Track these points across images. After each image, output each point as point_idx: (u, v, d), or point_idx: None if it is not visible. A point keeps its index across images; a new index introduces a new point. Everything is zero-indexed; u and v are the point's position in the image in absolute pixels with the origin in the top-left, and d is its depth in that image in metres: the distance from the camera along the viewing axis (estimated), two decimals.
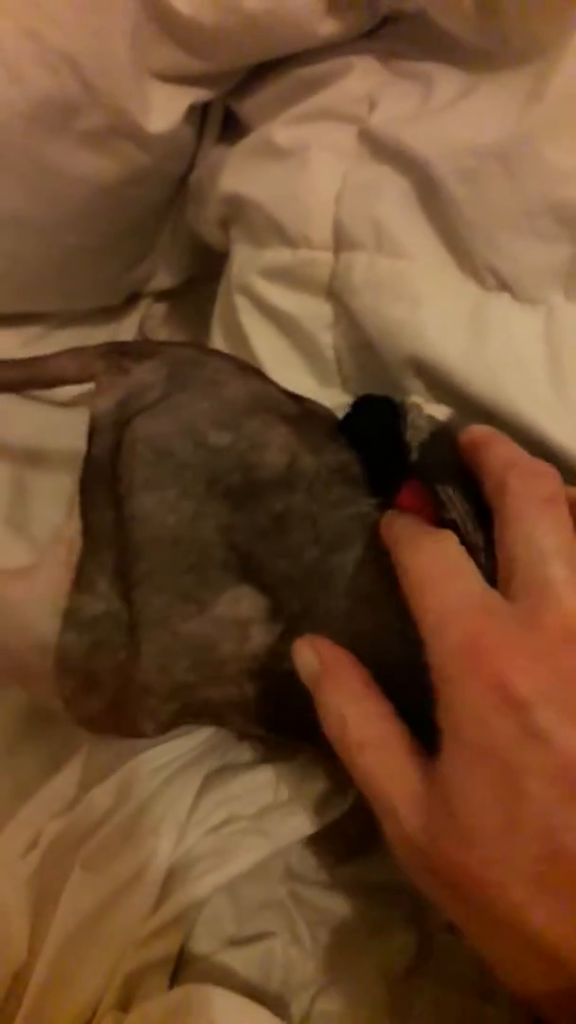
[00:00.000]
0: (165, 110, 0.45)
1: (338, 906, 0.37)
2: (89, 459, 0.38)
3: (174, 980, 0.34)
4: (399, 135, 0.41)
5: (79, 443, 0.48)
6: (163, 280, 0.60)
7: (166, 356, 0.39)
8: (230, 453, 0.36)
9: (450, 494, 0.33)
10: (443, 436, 0.35)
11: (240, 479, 0.35)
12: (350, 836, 0.37)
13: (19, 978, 0.32)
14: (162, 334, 0.63)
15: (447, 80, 0.41)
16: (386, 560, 0.32)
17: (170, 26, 0.41)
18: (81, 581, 0.35)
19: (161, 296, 0.63)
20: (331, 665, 0.30)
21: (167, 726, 0.37)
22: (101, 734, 0.36)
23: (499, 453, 0.31)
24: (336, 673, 0.30)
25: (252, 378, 0.39)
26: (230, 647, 0.35)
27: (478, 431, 0.33)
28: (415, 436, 0.35)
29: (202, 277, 0.59)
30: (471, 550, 0.30)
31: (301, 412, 0.39)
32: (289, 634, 0.34)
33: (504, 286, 0.39)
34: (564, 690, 0.24)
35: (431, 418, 0.36)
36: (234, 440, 0.36)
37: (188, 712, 0.37)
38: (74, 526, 0.36)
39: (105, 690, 0.35)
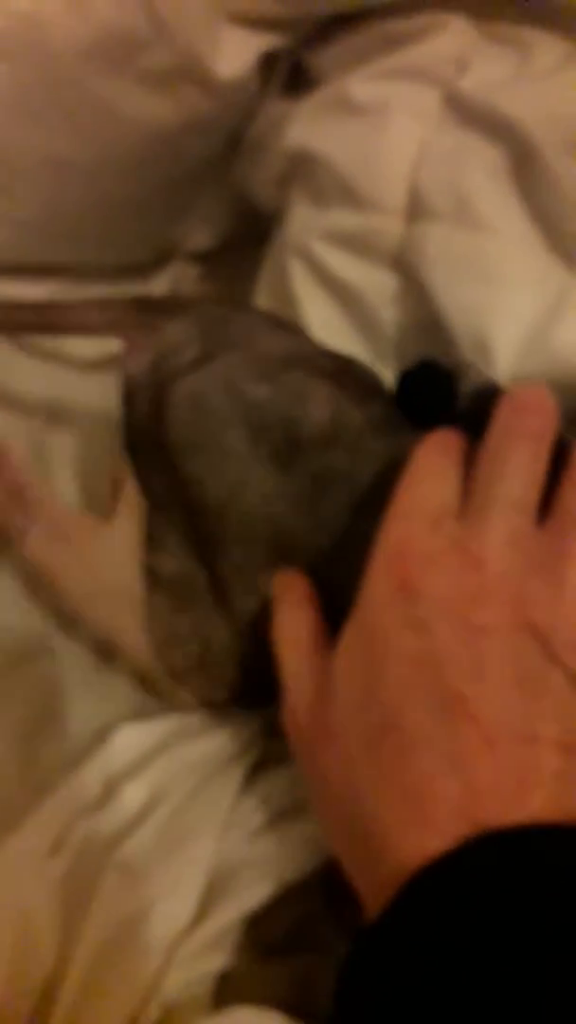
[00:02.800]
0: (237, 55, 0.41)
1: None
2: (130, 422, 0.37)
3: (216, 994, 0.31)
4: (494, 100, 0.38)
5: (97, 403, 0.45)
6: (200, 240, 0.56)
7: (197, 313, 0.38)
8: (271, 406, 0.34)
9: None
10: (492, 394, 0.33)
11: (282, 435, 0.34)
12: None
13: (48, 988, 0.29)
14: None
15: (546, 48, 0.39)
16: None
17: None
18: (153, 540, 0.35)
19: (195, 258, 0.59)
20: (289, 585, 0.33)
21: (238, 699, 0.36)
22: (182, 695, 0.36)
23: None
24: (290, 589, 0.33)
25: (287, 332, 0.38)
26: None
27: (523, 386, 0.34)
28: (466, 389, 0.35)
29: (241, 242, 0.56)
30: None
31: (339, 368, 0.37)
32: (333, 611, 0.32)
33: None
34: (451, 598, 0.27)
35: (488, 378, 0.35)
36: (274, 392, 0.35)
37: (255, 688, 0.35)
38: (132, 487, 0.36)
39: (190, 648, 0.35)
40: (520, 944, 0.22)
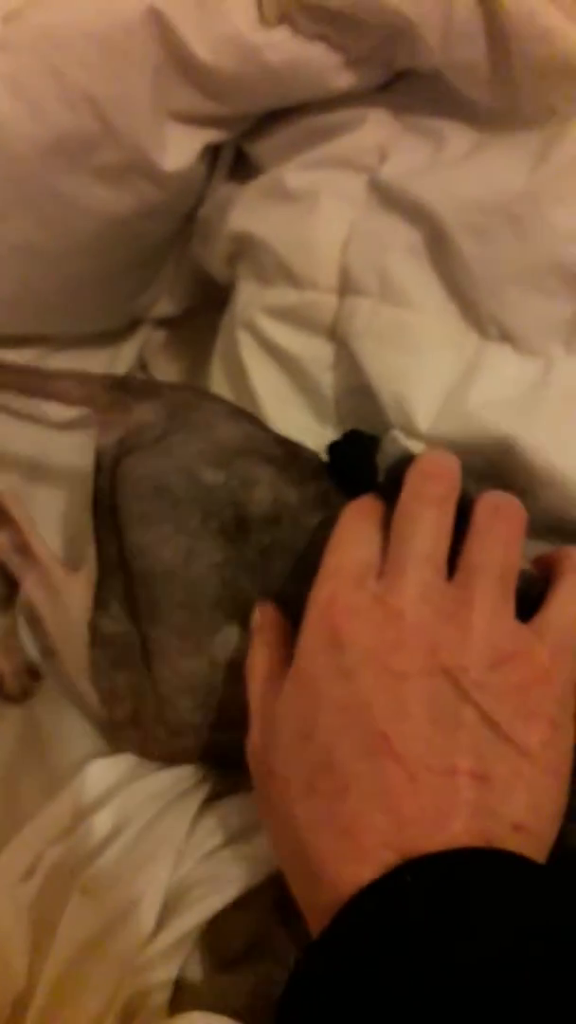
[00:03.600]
0: (180, 149, 0.46)
1: None
2: (95, 491, 0.40)
3: (172, 1005, 0.35)
4: (409, 187, 0.42)
5: (74, 460, 0.49)
6: (165, 307, 0.61)
7: (166, 398, 0.42)
8: (223, 490, 0.38)
9: None
10: (407, 462, 0.36)
11: (232, 515, 0.37)
12: None
13: (19, 1004, 0.32)
14: (160, 360, 0.64)
15: (458, 136, 0.43)
16: None
17: (190, 71, 0.43)
18: (99, 600, 0.38)
19: (161, 323, 0.64)
20: (268, 621, 0.35)
21: (172, 759, 0.39)
22: (122, 745, 0.40)
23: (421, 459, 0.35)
24: (266, 625, 0.35)
25: (243, 421, 0.42)
26: (229, 690, 0.36)
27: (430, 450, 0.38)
28: (383, 460, 0.37)
29: (203, 307, 0.60)
30: None
31: (286, 453, 0.41)
32: None
33: (506, 337, 0.41)
34: (374, 648, 0.30)
35: (404, 448, 0.38)
36: (227, 478, 0.38)
37: (193, 753, 0.39)
38: (91, 550, 0.39)
39: (126, 704, 0.38)
40: (444, 957, 0.25)
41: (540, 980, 0.24)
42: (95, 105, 0.42)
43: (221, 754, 0.38)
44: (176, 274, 0.58)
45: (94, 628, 0.39)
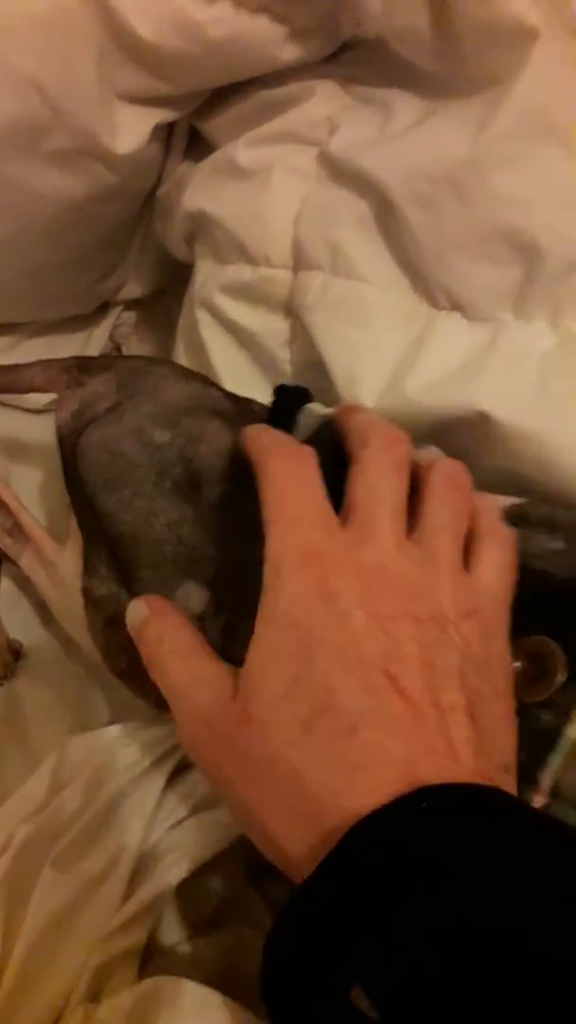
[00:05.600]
0: (131, 131, 0.46)
1: None
2: (63, 465, 0.41)
3: (143, 971, 0.36)
4: (358, 159, 0.42)
5: (51, 440, 0.50)
6: (133, 290, 0.61)
7: (118, 368, 0.43)
8: (171, 448, 0.39)
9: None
10: (325, 434, 0.37)
11: (182, 472, 0.38)
12: None
13: None
14: (132, 341, 0.65)
15: (405, 106, 0.43)
16: None
17: (134, 51, 0.43)
18: (88, 567, 0.40)
19: (131, 304, 0.64)
20: (158, 609, 0.34)
21: (159, 704, 0.39)
22: (130, 689, 0.40)
23: (363, 417, 0.36)
24: (161, 613, 0.34)
25: (192, 381, 0.42)
26: None
27: (348, 405, 0.38)
28: (299, 435, 0.38)
29: (171, 286, 0.60)
30: None
31: (236, 408, 0.41)
32: (230, 628, 0.36)
33: (456, 306, 0.41)
34: (368, 595, 0.30)
35: (322, 416, 0.39)
36: (173, 436, 0.39)
37: None
38: (73, 521, 0.41)
39: (121, 657, 0.39)
40: (450, 881, 0.25)
41: (554, 916, 0.24)
42: (42, 90, 0.43)
43: None
44: (141, 256, 0.59)
45: (87, 592, 0.40)
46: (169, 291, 0.62)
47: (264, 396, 0.47)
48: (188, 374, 0.43)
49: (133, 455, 0.39)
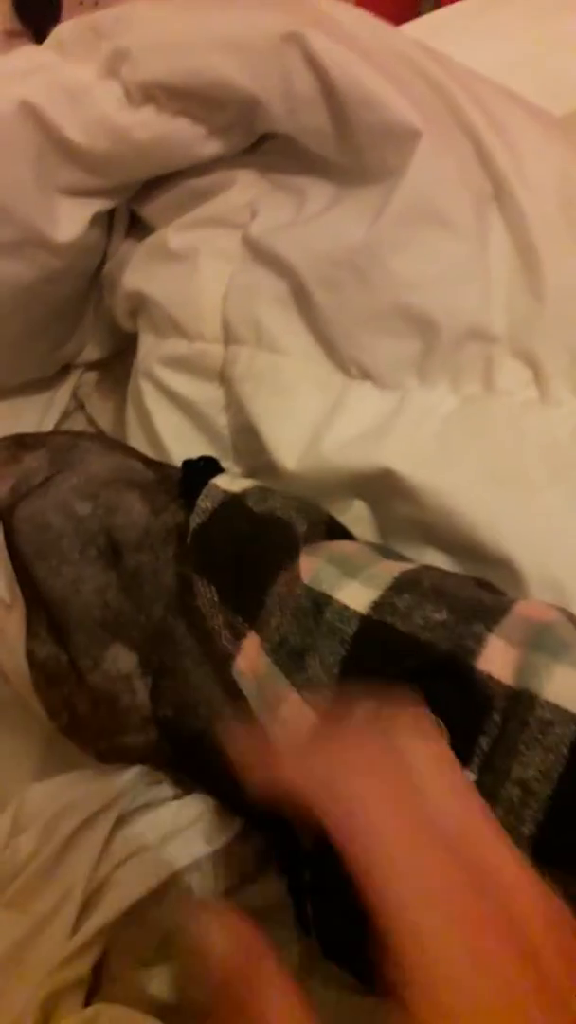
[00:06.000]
0: (71, 220, 0.50)
1: None
2: (5, 537, 0.45)
3: (91, 1003, 0.39)
4: (273, 243, 0.46)
5: None
6: (92, 353, 0.65)
7: (49, 444, 0.47)
8: (93, 519, 0.42)
9: (203, 584, 0.39)
10: (224, 515, 0.41)
11: (104, 541, 0.42)
12: (241, 859, 0.43)
13: None
14: (95, 398, 0.68)
15: (317, 193, 0.47)
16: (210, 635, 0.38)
17: (69, 153, 0.47)
18: (30, 630, 0.43)
19: (93, 365, 0.68)
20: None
21: (102, 759, 0.44)
22: (75, 743, 0.43)
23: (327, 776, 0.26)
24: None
25: (114, 453, 0.46)
26: (126, 699, 0.41)
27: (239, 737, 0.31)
28: (194, 520, 0.41)
29: (131, 346, 0.64)
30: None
31: (156, 477, 0.45)
32: (156, 689, 0.39)
33: (367, 375, 0.45)
34: None
35: (223, 494, 0.42)
36: (94, 508, 0.43)
37: (115, 753, 0.43)
38: (16, 587, 0.44)
39: (63, 715, 0.42)
40: None
41: None
42: None
43: (135, 756, 0.43)
44: (96, 324, 0.62)
45: (30, 654, 0.43)
46: (129, 350, 0.65)
47: (206, 453, 0.51)
48: (112, 446, 0.47)
49: (59, 526, 0.42)
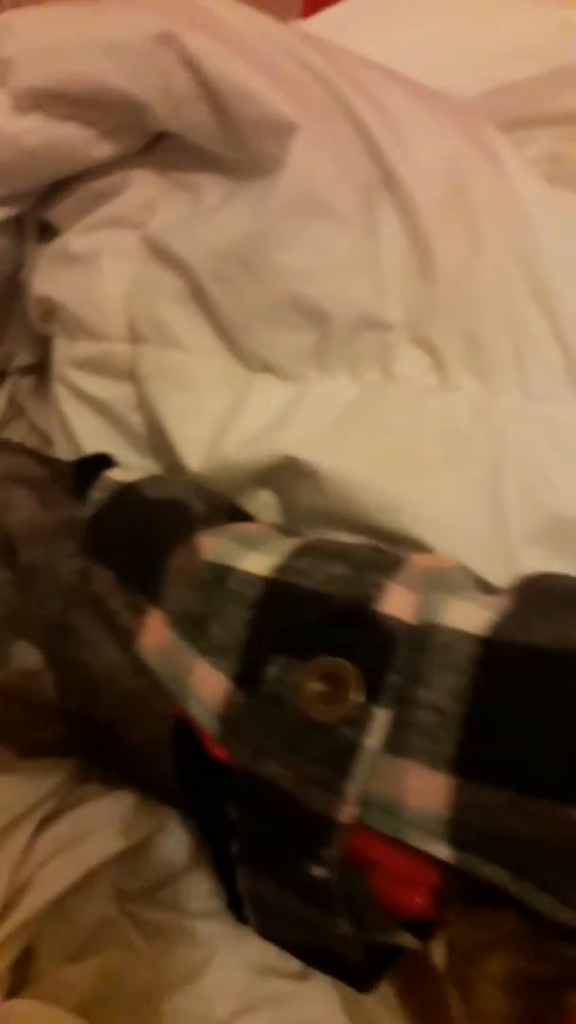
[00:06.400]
0: None
1: (163, 917, 0.43)
2: None
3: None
4: (169, 241, 0.47)
5: None
6: (24, 359, 0.65)
7: None
8: None
9: (99, 570, 0.40)
10: (118, 503, 0.41)
11: (1, 538, 0.42)
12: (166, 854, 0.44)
13: None
14: (33, 402, 0.69)
15: (213, 188, 0.47)
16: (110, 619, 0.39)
17: None
18: None
19: (29, 369, 0.68)
20: None
21: (23, 754, 0.45)
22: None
23: None
24: None
25: (4, 452, 0.47)
26: (36, 695, 0.41)
27: None
28: (87, 511, 0.42)
29: None
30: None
31: (49, 473, 0.46)
32: (60, 683, 0.40)
33: (267, 368, 0.45)
34: None
35: (116, 485, 0.42)
36: None
37: (36, 748, 0.44)
38: None
39: None
40: None
41: None
42: None
43: (54, 749, 0.44)
44: (24, 330, 0.63)
45: None
46: None
47: (125, 457, 0.51)
48: (5, 445, 0.47)
49: None
